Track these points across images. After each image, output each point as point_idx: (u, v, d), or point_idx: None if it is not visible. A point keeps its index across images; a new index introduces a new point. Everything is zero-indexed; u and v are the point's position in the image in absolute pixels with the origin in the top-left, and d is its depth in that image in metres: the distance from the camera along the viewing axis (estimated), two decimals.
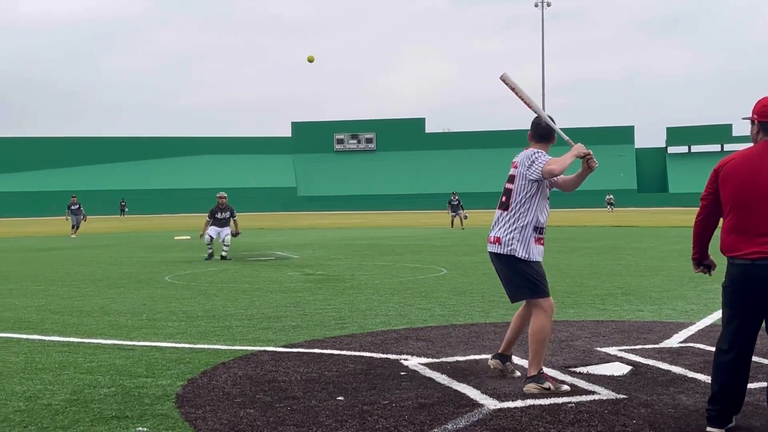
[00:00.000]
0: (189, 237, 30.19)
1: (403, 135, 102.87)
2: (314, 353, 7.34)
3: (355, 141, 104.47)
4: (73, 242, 29.46)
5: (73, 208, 34.80)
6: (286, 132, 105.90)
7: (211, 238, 19.51)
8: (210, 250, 19.51)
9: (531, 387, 5.75)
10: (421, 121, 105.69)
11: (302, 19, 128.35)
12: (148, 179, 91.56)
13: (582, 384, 5.95)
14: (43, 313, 10.46)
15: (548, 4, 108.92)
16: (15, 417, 5.32)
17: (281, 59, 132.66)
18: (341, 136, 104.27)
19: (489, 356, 6.62)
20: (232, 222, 19.91)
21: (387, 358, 7.05)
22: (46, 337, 8.46)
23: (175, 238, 30.36)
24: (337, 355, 7.25)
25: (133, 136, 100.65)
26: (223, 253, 19.39)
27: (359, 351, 7.40)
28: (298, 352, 7.40)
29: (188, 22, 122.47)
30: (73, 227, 34.61)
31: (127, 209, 77.48)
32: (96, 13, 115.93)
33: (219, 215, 19.74)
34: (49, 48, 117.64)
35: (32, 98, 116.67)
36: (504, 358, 6.32)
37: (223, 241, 19.51)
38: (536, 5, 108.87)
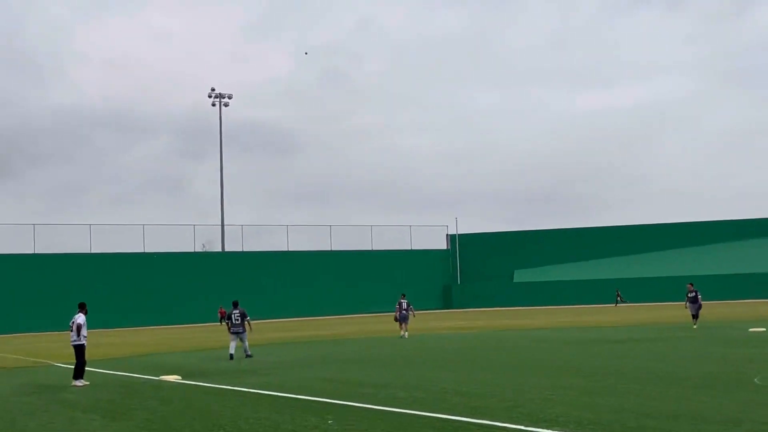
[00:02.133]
0: (765, 329, 27.71)
1: None
2: None
3: None
4: (641, 335, 29.05)
5: (691, 295, 32.87)
6: None
7: None
8: None
9: None
10: None
11: None
12: (707, 264, 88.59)
13: None
14: (618, 413, 10.15)
15: None
16: None
17: None
18: None
19: None
20: None
21: None
22: None
23: (750, 330, 28.07)
24: None
25: (688, 221, 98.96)
26: None
27: None
28: None
29: (738, 98, 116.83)
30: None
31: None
32: (647, 98, 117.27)
33: None
34: (607, 136, 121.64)
35: (593, 186, 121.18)
36: None
37: None
38: None
